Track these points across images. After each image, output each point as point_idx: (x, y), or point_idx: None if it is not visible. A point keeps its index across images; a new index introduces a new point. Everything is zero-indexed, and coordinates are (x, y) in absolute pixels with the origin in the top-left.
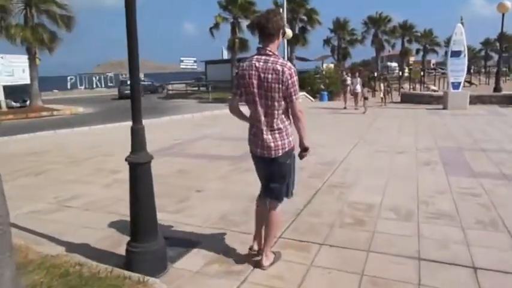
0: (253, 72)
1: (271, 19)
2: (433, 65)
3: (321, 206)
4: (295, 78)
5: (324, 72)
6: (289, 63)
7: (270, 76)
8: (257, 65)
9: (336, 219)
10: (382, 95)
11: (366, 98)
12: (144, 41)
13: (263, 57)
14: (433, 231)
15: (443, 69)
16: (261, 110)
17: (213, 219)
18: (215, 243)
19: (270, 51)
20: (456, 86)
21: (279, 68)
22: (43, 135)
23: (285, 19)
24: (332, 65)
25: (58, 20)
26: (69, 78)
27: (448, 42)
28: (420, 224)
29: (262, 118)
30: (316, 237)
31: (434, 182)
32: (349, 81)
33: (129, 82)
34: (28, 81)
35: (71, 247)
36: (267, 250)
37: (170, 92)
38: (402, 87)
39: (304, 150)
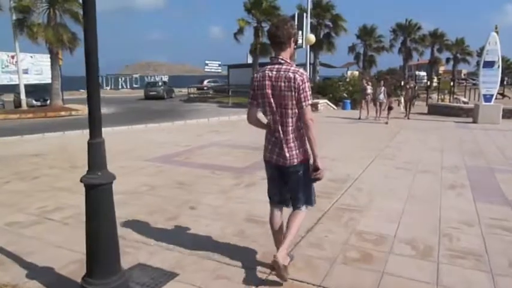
0: (267, 82)
1: (281, 27)
2: (464, 75)
3: (325, 235)
4: (307, 84)
5: (347, 80)
6: (301, 70)
7: (282, 84)
8: (270, 74)
9: (340, 252)
10: (403, 106)
11: (390, 108)
12: (170, 43)
13: (276, 66)
14: (455, 276)
15: (474, 79)
16: (276, 119)
17: (199, 243)
18: (195, 276)
19: (283, 59)
20: (488, 98)
21: (291, 75)
22: (52, 136)
23: (309, 24)
24: (357, 72)
25: (80, 20)
26: None
27: (480, 51)
28: (440, 264)
29: (278, 127)
30: (312, 276)
31: (460, 209)
32: (369, 90)
33: (159, 82)
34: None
35: (33, 271)
36: (285, 249)
37: (191, 95)
38: (430, 98)
39: (315, 169)
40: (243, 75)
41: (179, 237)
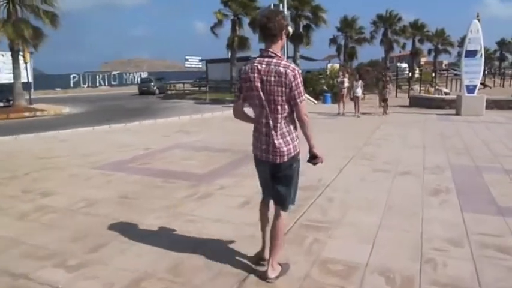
0: (256, 75)
1: (272, 18)
2: (445, 65)
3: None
4: (300, 79)
5: (328, 73)
6: (292, 65)
7: (272, 79)
8: (259, 67)
9: None
10: (379, 102)
11: (384, 100)
12: (153, 39)
13: (265, 59)
14: None
15: (456, 70)
16: (264, 114)
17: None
18: None
19: (273, 52)
20: (471, 89)
21: (282, 70)
22: (3, 140)
23: (286, 14)
24: (337, 65)
25: (42, 16)
26: (72, 76)
27: (461, 42)
28: None
29: (266, 122)
30: None
31: (445, 222)
32: (346, 84)
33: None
34: (30, 79)
35: None
36: (274, 261)
37: (169, 92)
38: (412, 89)
39: (313, 157)
40: (221, 70)
41: (95, 277)
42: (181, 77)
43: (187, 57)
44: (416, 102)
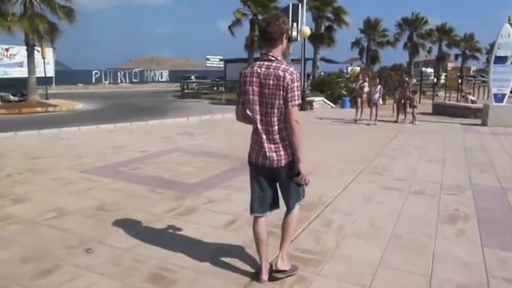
0: (255, 78)
1: (272, 23)
2: (473, 72)
3: None
4: (296, 84)
5: (347, 76)
6: (291, 68)
7: (271, 82)
8: (258, 71)
9: None
10: (394, 110)
11: (413, 107)
12: (176, 38)
13: (265, 62)
14: None
15: (483, 76)
16: (261, 118)
17: None
18: None
19: (273, 56)
20: (499, 98)
21: (281, 73)
22: (3, 136)
23: (304, 16)
24: (358, 68)
25: (58, 11)
26: (94, 72)
27: (490, 48)
28: None
29: (264, 126)
30: None
31: (462, 262)
32: (367, 88)
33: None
34: (52, 74)
35: None
36: (284, 253)
37: (186, 91)
38: (437, 95)
39: (297, 174)
40: (239, 70)
41: None
42: (204, 76)
43: (208, 56)
44: (439, 110)
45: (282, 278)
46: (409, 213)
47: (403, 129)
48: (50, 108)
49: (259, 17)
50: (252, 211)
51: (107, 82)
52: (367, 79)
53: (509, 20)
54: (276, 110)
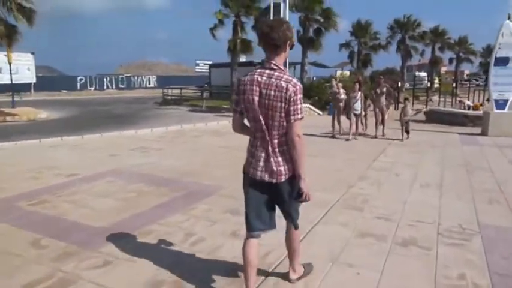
0: (255, 87)
1: (276, 28)
2: (467, 75)
3: None
4: (300, 96)
5: (337, 81)
6: (294, 80)
7: (272, 93)
8: (259, 79)
9: None
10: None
11: (404, 122)
12: (172, 43)
13: (267, 71)
14: None
15: (477, 80)
16: (261, 130)
17: None
18: None
19: (275, 64)
20: (501, 104)
21: (283, 84)
22: None
23: (287, 15)
24: (347, 73)
25: (15, 11)
26: (79, 78)
27: (485, 51)
28: None
29: (263, 138)
30: None
31: None
32: (342, 96)
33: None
34: (31, 80)
35: None
36: (295, 264)
37: (168, 97)
38: (431, 100)
39: (299, 194)
40: (224, 75)
41: None
42: (192, 82)
43: (197, 61)
44: (434, 117)
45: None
46: (391, 285)
47: (393, 142)
48: (8, 118)
49: (243, 19)
50: (249, 229)
51: (93, 88)
52: (340, 84)
53: (508, 18)
54: (276, 123)
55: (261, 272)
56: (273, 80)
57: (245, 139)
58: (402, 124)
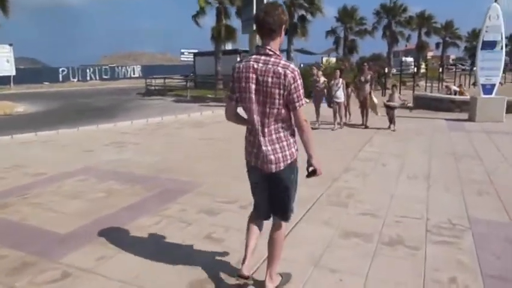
0: (251, 75)
1: (271, 12)
2: (452, 60)
3: None
4: (300, 81)
5: (323, 68)
6: (292, 65)
7: (269, 80)
8: (255, 66)
9: None
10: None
11: (390, 107)
12: (158, 33)
13: (262, 57)
14: None
15: (463, 65)
16: (258, 118)
17: None
18: None
19: (271, 50)
20: (488, 89)
21: (281, 70)
22: None
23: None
24: (334, 59)
25: None
26: (61, 70)
27: (472, 34)
28: None
29: (261, 127)
30: None
31: None
32: (321, 83)
33: None
34: (11, 73)
35: None
36: (272, 272)
37: (151, 88)
38: (417, 85)
39: (312, 172)
40: (209, 64)
41: None
42: (177, 71)
43: (183, 50)
44: (420, 103)
45: None
46: None
47: (379, 131)
48: None
49: (227, 5)
50: (257, 216)
51: (76, 80)
52: (320, 72)
53: (496, 0)
54: (275, 110)
55: (234, 280)
56: (269, 66)
57: (228, 130)
58: (388, 112)
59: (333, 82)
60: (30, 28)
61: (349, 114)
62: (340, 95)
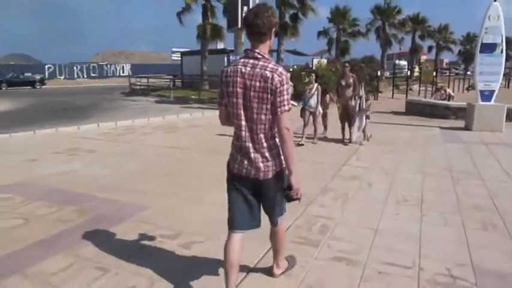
0: (238, 79)
1: (260, 14)
2: (446, 64)
3: None
4: (286, 86)
5: (313, 69)
6: (280, 68)
7: (257, 84)
8: (243, 70)
9: None
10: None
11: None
12: (152, 31)
13: (251, 60)
14: None
15: (457, 69)
16: (246, 124)
17: None
18: None
19: (259, 53)
20: (487, 96)
21: (268, 74)
22: None
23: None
24: (325, 61)
25: None
26: (47, 67)
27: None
28: None
29: (248, 133)
30: None
31: None
32: (291, 90)
33: None
34: None
35: None
36: (279, 260)
37: (136, 87)
38: (411, 89)
39: (289, 188)
40: (196, 63)
41: None
42: (168, 70)
43: (173, 49)
44: (414, 109)
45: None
46: None
47: (366, 142)
48: None
49: (213, 3)
50: (231, 227)
51: (62, 77)
52: (313, 78)
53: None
54: (263, 116)
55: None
56: (257, 70)
57: (199, 139)
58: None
59: (307, 87)
60: (24, 25)
61: (325, 129)
62: (314, 102)
